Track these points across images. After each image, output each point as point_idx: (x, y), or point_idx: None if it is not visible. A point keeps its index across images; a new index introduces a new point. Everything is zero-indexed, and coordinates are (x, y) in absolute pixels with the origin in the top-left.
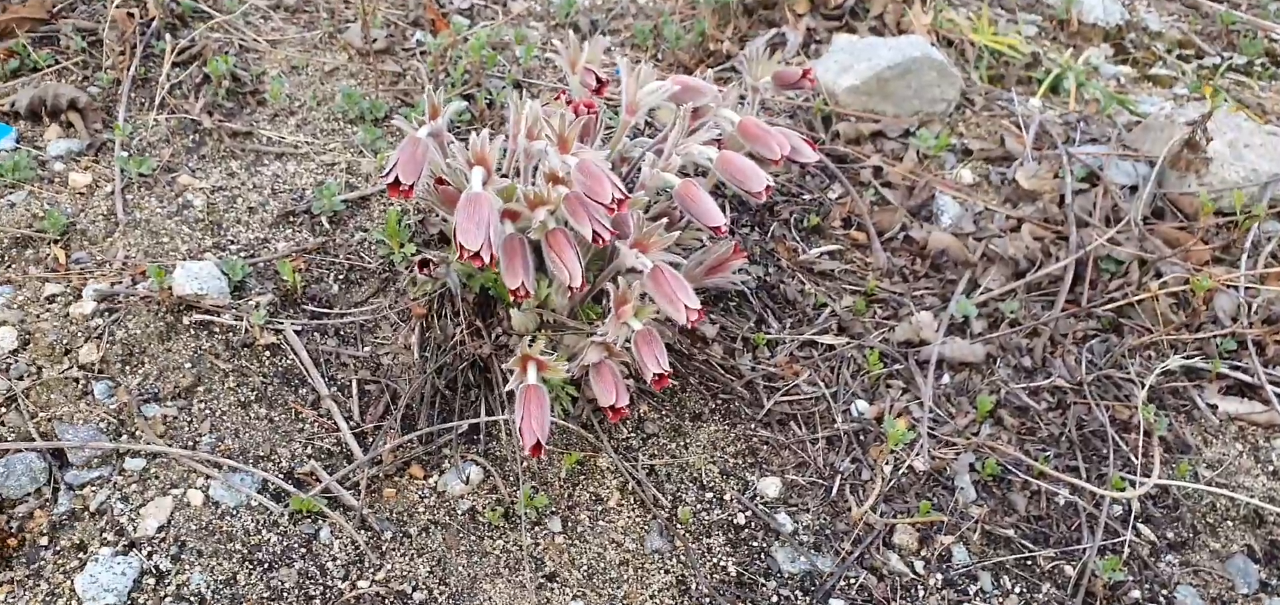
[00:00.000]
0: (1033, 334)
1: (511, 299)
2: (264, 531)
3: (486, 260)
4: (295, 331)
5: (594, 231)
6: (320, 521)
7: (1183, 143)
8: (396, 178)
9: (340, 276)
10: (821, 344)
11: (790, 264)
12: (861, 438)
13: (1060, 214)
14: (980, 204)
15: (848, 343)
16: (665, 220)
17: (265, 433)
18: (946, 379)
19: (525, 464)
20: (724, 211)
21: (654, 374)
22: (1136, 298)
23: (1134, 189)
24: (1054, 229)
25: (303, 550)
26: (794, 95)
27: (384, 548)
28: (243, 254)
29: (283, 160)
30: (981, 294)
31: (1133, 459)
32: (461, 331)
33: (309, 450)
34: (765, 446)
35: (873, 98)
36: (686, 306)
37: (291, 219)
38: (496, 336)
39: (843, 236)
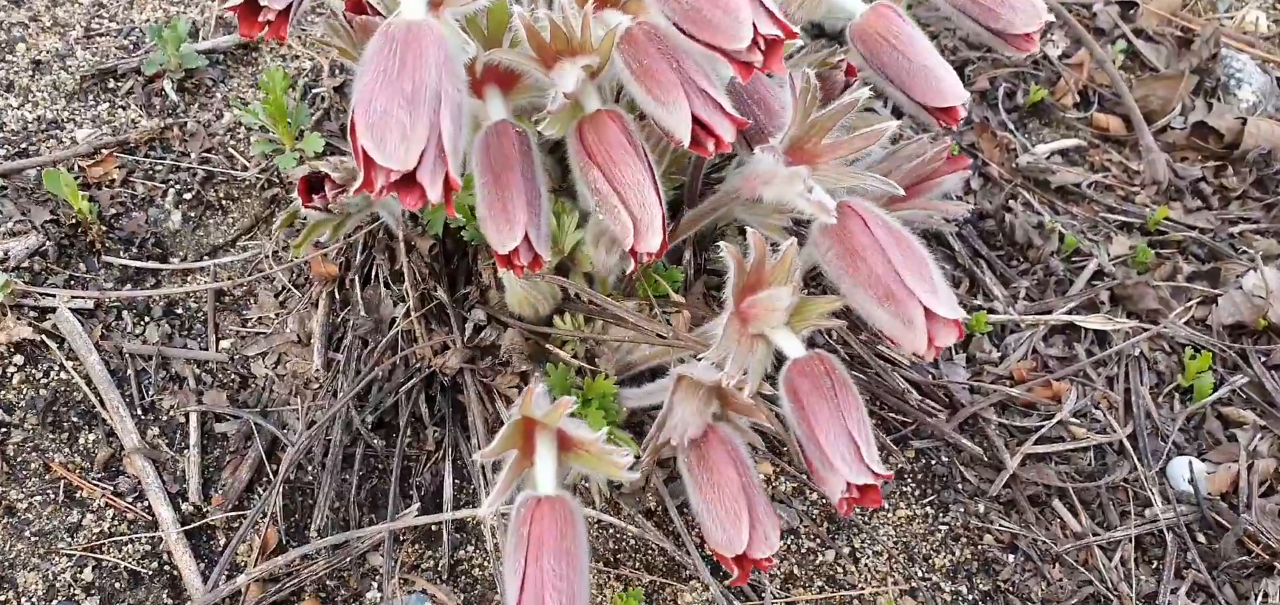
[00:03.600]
0: None
1: (499, 266)
2: None
3: (434, 195)
4: (77, 312)
5: (696, 122)
6: None
7: None
8: None
9: (186, 196)
10: (1087, 331)
11: (1005, 172)
12: (1204, 537)
13: None
14: None
15: (1134, 329)
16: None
17: None
18: None
19: None
20: None
21: (847, 488)
22: None
23: None
24: None
25: None
26: None
27: None
28: (2, 150)
29: None
30: None
31: None
32: (407, 313)
33: (85, 575)
34: (1012, 554)
35: None
36: (931, 312)
37: (111, 82)
38: (475, 328)
39: (1081, 122)
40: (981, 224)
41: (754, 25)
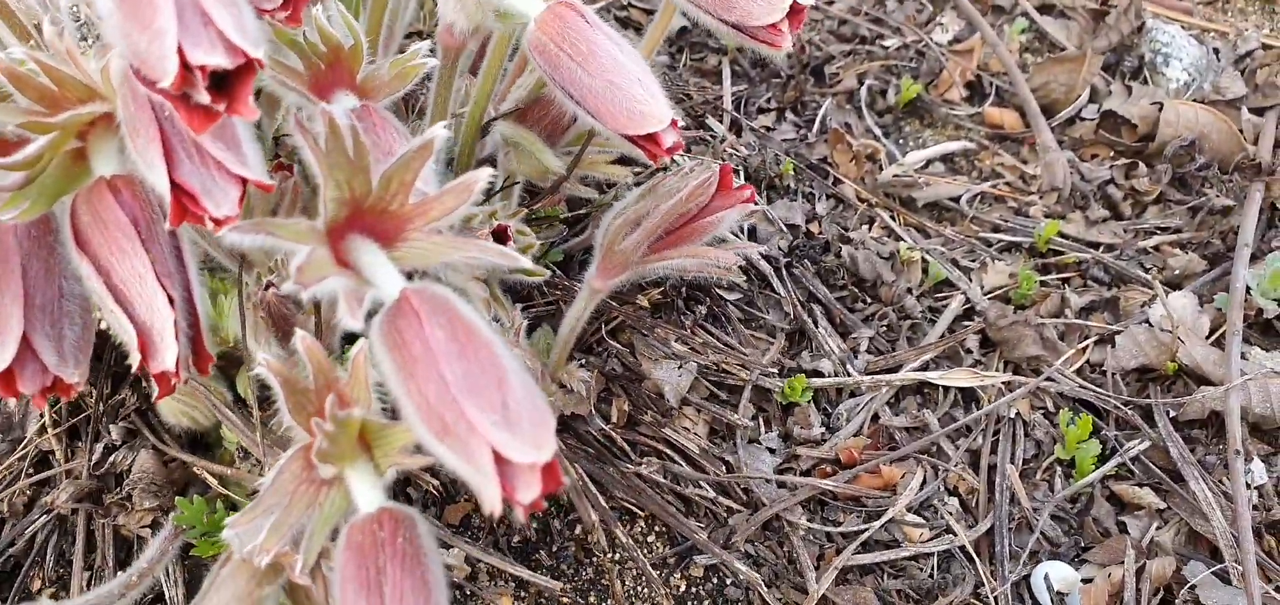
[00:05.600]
0: None
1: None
2: None
3: None
4: None
5: (180, 189)
6: None
7: None
8: None
9: None
10: (946, 391)
11: (864, 191)
12: None
13: None
14: (1243, 36)
15: (1009, 384)
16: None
17: None
18: (1257, 468)
19: None
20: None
21: None
22: None
23: None
24: None
25: None
26: None
27: None
28: None
29: None
30: None
31: None
32: (45, 428)
33: None
34: None
35: None
36: (501, 455)
37: None
38: (106, 449)
39: (972, 120)
40: (822, 258)
41: (182, 51)
